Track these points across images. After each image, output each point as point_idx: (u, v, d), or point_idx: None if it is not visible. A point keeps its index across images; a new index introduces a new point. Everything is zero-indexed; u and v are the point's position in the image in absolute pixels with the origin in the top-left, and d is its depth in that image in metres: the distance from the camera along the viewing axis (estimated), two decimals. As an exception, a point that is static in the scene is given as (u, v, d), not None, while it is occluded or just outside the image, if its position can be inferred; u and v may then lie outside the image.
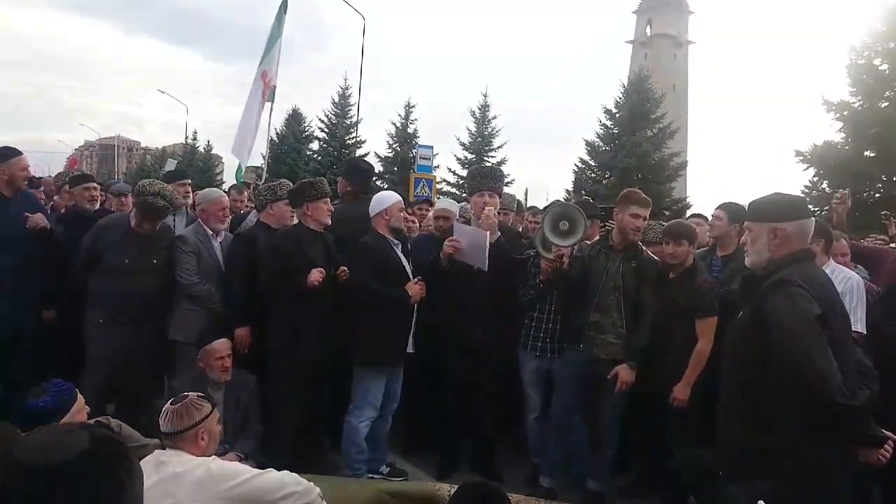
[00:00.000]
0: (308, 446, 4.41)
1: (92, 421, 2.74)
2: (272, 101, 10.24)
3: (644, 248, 4.34)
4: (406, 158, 31.06)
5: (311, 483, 2.53)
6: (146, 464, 2.42)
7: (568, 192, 26.69)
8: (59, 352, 4.91)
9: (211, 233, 4.75)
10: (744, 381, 2.61)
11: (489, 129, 32.90)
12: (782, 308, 2.42)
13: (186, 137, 48.36)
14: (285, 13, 10.55)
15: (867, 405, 2.38)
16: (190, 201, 5.80)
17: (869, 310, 3.99)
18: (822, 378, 2.30)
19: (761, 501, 2.18)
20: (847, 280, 3.98)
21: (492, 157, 32.44)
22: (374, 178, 8.84)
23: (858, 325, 3.78)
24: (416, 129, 33.55)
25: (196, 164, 43.84)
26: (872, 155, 18.60)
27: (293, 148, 36.05)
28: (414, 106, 33.72)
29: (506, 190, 6.14)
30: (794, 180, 20.15)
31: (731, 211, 4.57)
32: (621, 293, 4.16)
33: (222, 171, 45.28)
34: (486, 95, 33.25)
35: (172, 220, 5.01)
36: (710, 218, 5.13)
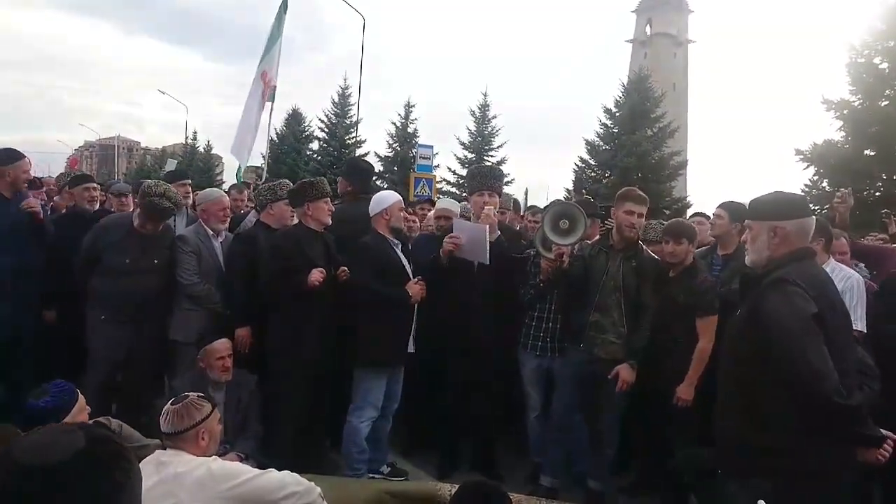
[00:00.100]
0: (308, 446, 4.40)
1: (91, 421, 2.74)
2: (272, 101, 10.25)
3: (644, 247, 4.34)
4: (406, 158, 31.08)
5: (312, 483, 2.54)
6: (147, 464, 2.42)
7: (568, 191, 26.72)
8: (60, 352, 4.91)
9: (211, 233, 4.75)
10: (741, 380, 2.61)
11: (489, 129, 32.93)
12: (779, 307, 2.42)
13: (186, 137, 48.42)
14: (285, 13, 10.56)
15: (863, 405, 2.38)
16: (190, 201, 5.80)
17: (869, 308, 3.99)
18: (817, 377, 2.30)
19: (761, 501, 2.17)
20: (847, 279, 3.98)
21: (492, 156, 32.47)
22: (374, 178, 8.84)
23: (859, 323, 3.78)
24: (416, 129, 33.61)
25: (196, 164, 43.87)
26: (872, 153, 18.61)
27: (293, 148, 36.07)
28: (414, 105, 33.81)
29: (505, 189, 6.15)
30: (795, 179, 20.18)
31: (731, 210, 4.57)
32: (622, 292, 4.16)
33: (222, 171, 45.33)
34: (485, 95, 33.32)
35: (173, 221, 5.01)
36: (711, 217, 5.13)
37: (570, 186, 27.61)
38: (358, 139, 33.35)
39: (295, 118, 37.63)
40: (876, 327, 3.92)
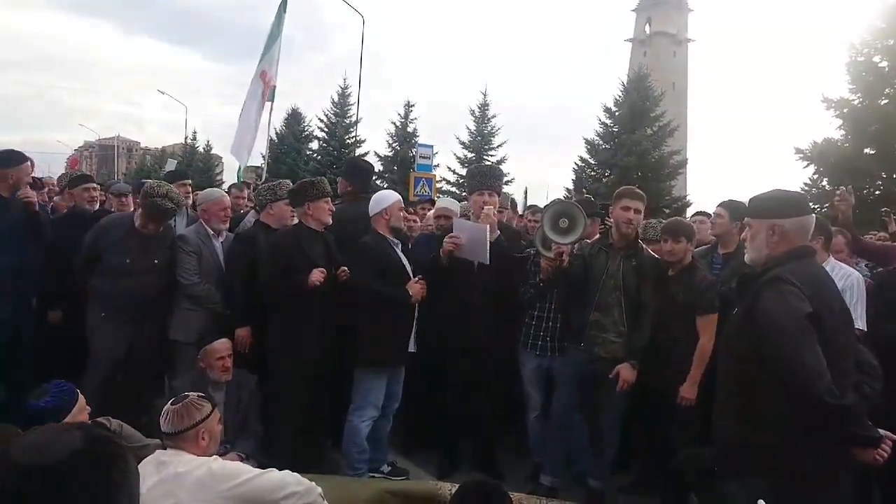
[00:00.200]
0: (308, 446, 4.40)
1: (91, 421, 2.75)
2: (272, 101, 10.26)
3: (644, 246, 4.34)
4: (406, 157, 31.10)
5: (313, 483, 2.54)
6: (147, 464, 2.42)
7: (568, 190, 26.73)
8: (61, 352, 4.91)
9: (212, 233, 4.75)
10: (739, 379, 2.60)
11: (489, 128, 32.98)
12: (773, 305, 2.41)
13: (186, 137, 48.38)
14: (284, 12, 10.57)
15: (857, 404, 2.35)
16: (190, 201, 5.80)
17: (869, 306, 3.99)
18: (810, 376, 2.28)
19: (761, 501, 2.17)
20: (847, 277, 3.99)
21: (491, 155, 32.51)
22: (374, 178, 8.84)
23: (859, 321, 3.78)
24: (415, 129, 33.68)
25: (196, 164, 43.88)
26: (872, 152, 18.63)
27: (293, 147, 36.09)
28: (413, 105, 33.86)
29: (505, 189, 6.14)
30: (795, 178, 20.17)
31: (731, 209, 4.58)
32: (622, 291, 4.16)
33: (222, 171, 45.35)
34: (485, 94, 33.37)
35: (173, 221, 5.01)
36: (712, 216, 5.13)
37: (570, 186, 27.63)
38: (358, 139, 33.37)
39: (294, 118, 37.65)
40: (875, 326, 3.92)
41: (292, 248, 4.29)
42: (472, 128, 33.01)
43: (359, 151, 32.26)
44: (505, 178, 20.40)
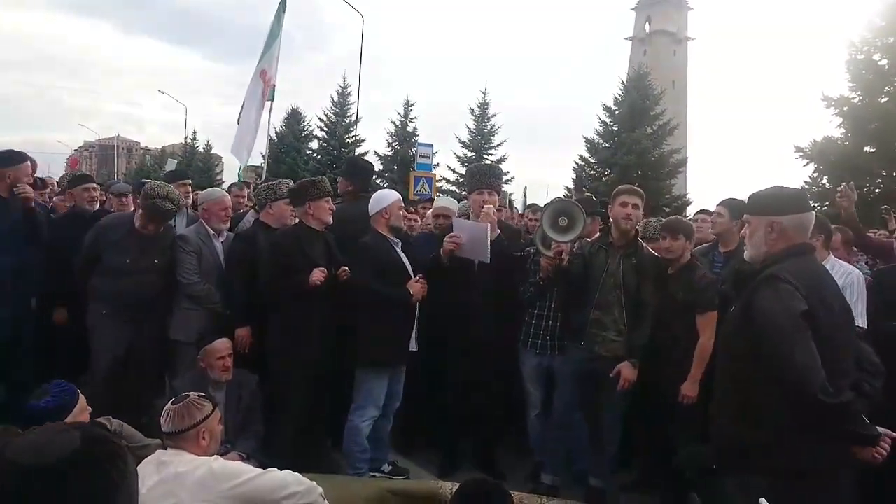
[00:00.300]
0: (308, 446, 4.40)
1: (91, 421, 2.74)
2: (272, 100, 10.26)
3: (644, 244, 4.34)
4: (406, 157, 31.08)
5: (314, 482, 2.54)
6: (148, 464, 2.42)
7: (568, 189, 26.71)
8: (61, 352, 4.92)
9: (213, 232, 4.75)
10: (736, 376, 2.59)
11: (488, 127, 32.97)
12: (768, 303, 2.40)
13: (186, 137, 48.36)
14: (284, 11, 10.57)
15: (853, 402, 2.34)
16: (190, 201, 5.80)
17: (869, 304, 3.99)
18: (804, 374, 2.28)
19: (762, 500, 2.17)
20: (847, 275, 3.99)
21: (491, 154, 32.50)
22: (374, 177, 8.85)
23: (859, 319, 3.77)
24: (415, 128, 33.66)
25: (196, 164, 43.85)
26: (872, 150, 18.65)
27: (293, 147, 36.08)
28: (413, 104, 33.84)
29: (504, 188, 6.14)
30: (795, 176, 20.19)
31: (732, 207, 4.58)
32: (622, 290, 4.16)
33: (222, 170, 45.35)
34: (485, 93, 33.34)
35: (173, 220, 5.01)
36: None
37: (570, 185, 27.63)
38: (357, 138, 33.36)
39: (294, 117, 37.65)
40: (875, 323, 3.91)
41: (293, 248, 4.29)
42: (472, 127, 33.02)
43: (359, 151, 32.25)
44: (504, 177, 20.41)
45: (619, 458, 4.48)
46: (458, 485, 2.60)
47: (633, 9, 71.60)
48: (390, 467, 4.60)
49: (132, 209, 5.15)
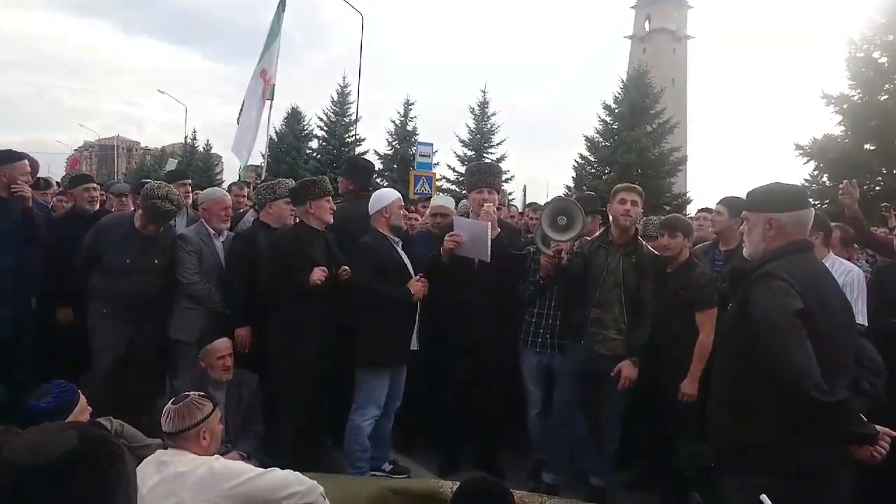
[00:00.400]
0: (308, 446, 4.40)
1: (91, 421, 2.74)
2: (271, 99, 10.25)
3: (644, 242, 4.34)
4: (406, 156, 31.07)
5: (315, 482, 2.54)
6: (148, 463, 2.42)
7: (568, 188, 26.70)
8: (61, 352, 4.92)
9: (213, 232, 4.74)
10: (733, 374, 2.58)
11: (488, 126, 32.90)
12: (763, 301, 2.39)
13: (186, 137, 48.34)
14: (283, 11, 10.56)
15: (849, 401, 2.30)
16: (190, 201, 5.79)
17: (869, 302, 3.99)
18: (798, 373, 2.25)
19: (763, 496, 2.16)
20: (847, 273, 3.99)
21: (491, 153, 32.44)
22: (374, 175, 8.85)
23: (860, 317, 3.77)
24: (415, 127, 33.58)
25: (196, 164, 43.83)
26: (872, 148, 18.65)
27: (293, 146, 36.07)
28: (413, 103, 33.75)
29: (504, 186, 6.14)
30: (795, 174, 20.18)
31: (731, 205, 4.57)
32: (622, 289, 4.16)
33: (222, 170, 45.31)
34: (485, 92, 33.25)
35: (173, 220, 5.01)
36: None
37: (570, 183, 27.61)
38: (357, 137, 33.33)
39: (294, 117, 37.63)
40: (875, 321, 3.91)
41: (293, 247, 4.29)
42: (472, 125, 32.97)
43: (359, 150, 32.19)
44: (504, 176, 20.38)
45: (620, 457, 4.48)
46: (458, 483, 2.60)
47: (632, 7, 71.60)
48: (391, 466, 4.60)
49: (132, 209, 5.15)
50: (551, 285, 4.41)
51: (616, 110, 29.58)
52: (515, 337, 4.62)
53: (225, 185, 11.37)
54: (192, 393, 2.69)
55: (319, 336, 4.29)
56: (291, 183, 4.90)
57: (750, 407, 2.47)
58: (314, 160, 35.04)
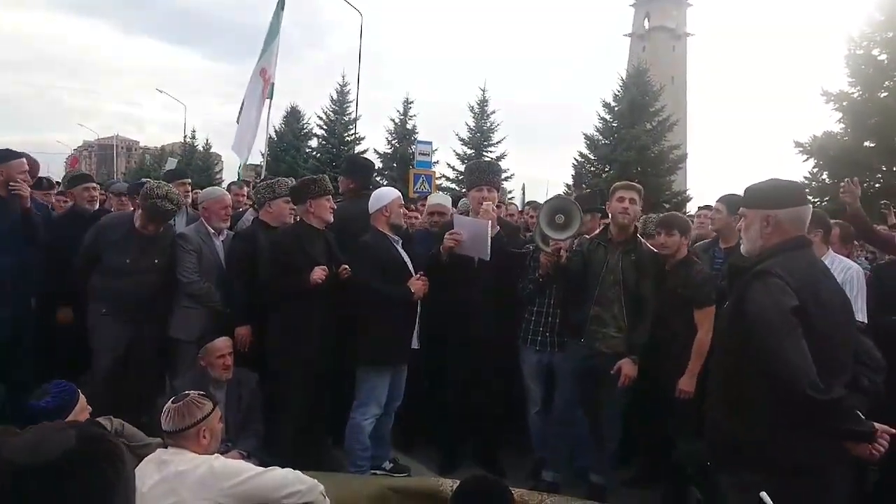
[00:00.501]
0: (309, 445, 4.41)
1: (91, 420, 2.74)
2: (270, 98, 10.25)
3: (643, 241, 4.34)
4: (405, 154, 31.05)
5: (315, 480, 2.54)
6: (148, 462, 2.42)
7: (568, 186, 26.68)
8: (62, 352, 4.92)
9: (213, 231, 4.74)
10: (728, 370, 2.57)
11: (488, 124, 32.89)
12: (758, 299, 2.38)
13: (185, 136, 48.30)
14: (283, 10, 10.56)
15: (845, 399, 2.29)
16: (189, 200, 5.79)
17: (868, 298, 3.99)
18: (793, 371, 2.25)
19: (763, 493, 2.16)
20: (847, 270, 3.99)
21: (491, 152, 32.42)
22: (374, 174, 8.85)
23: (859, 314, 3.78)
24: (414, 125, 33.56)
25: (195, 163, 43.80)
26: (872, 145, 18.65)
27: (292, 145, 36.08)
28: (412, 102, 33.72)
29: (504, 185, 6.14)
30: (795, 171, 20.19)
31: (730, 203, 4.57)
32: (622, 286, 4.16)
33: (221, 169, 45.28)
34: (484, 90, 33.22)
35: (173, 220, 5.01)
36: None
37: (570, 181, 27.60)
38: (357, 136, 33.32)
39: (293, 116, 37.62)
40: (874, 318, 3.91)
41: (293, 246, 4.29)
42: (472, 124, 32.96)
43: (358, 149, 32.18)
44: (504, 174, 20.35)
45: (620, 455, 4.49)
46: (458, 482, 2.60)
47: (631, 5, 71.52)
48: (391, 465, 4.61)
49: (132, 209, 5.15)
50: (551, 283, 4.41)
51: (615, 108, 29.57)
52: (515, 335, 4.62)
53: (225, 185, 11.36)
54: (192, 392, 2.69)
55: (319, 335, 4.29)
56: (291, 182, 4.90)
57: (744, 403, 2.46)
58: (314, 159, 35.04)
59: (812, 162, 19.41)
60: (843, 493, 2.48)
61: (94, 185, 5.66)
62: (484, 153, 31.92)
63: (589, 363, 4.23)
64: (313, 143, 37.18)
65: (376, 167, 28.25)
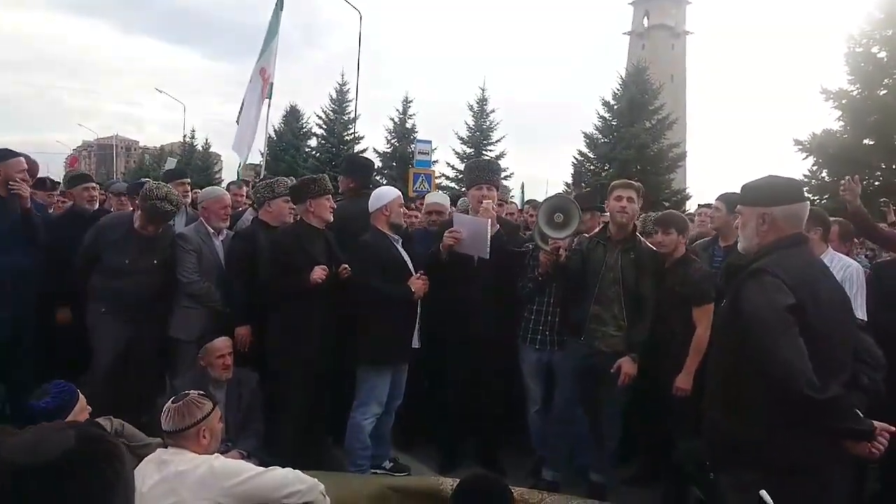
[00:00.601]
0: (309, 444, 4.41)
1: (91, 420, 2.75)
2: (270, 98, 10.24)
3: (643, 239, 4.34)
4: (405, 154, 31.04)
5: (315, 480, 2.54)
6: (148, 462, 2.42)
7: (567, 185, 26.67)
8: (62, 352, 4.92)
9: (212, 231, 4.74)
10: (725, 369, 2.56)
11: (487, 123, 32.89)
12: (754, 297, 2.37)
13: (185, 136, 48.27)
14: (281, 9, 10.55)
15: (842, 397, 2.27)
16: (189, 200, 5.79)
17: (868, 296, 3.99)
18: (789, 370, 2.23)
19: (763, 492, 2.15)
20: (846, 268, 3.99)
21: (490, 150, 32.42)
22: (373, 174, 8.86)
23: (858, 312, 3.77)
24: (414, 125, 33.54)
25: (195, 163, 43.77)
26: (871, 143, 18.65)
27: (291, 145, 36.04)
28: (412, 101, 33.70)
29: (504, 183, 6.14)
30: (794, 169, 20.17)
31: (729, 201, 4.57)
32: (621, 285, 4.16)
33: (221, 169, 45.27)
34: (483, 89, 33.21)
35: (172, 220, 5.01)
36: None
37: (570, 180, 27.58)
38: (356, 135, 33.29)
39: (293, 115, 37.59)
40: (874, 316, 3.91)
41: (293, 246, 4.29)
42: (471, 123, 32.95)
43: (358, 148, 32.16)
44: (503, 173, 20.34)
45: (620, 453, 4.49)
46: (458, 481, 2.60)
47: (630, 3, 71.44)
48: (391, 464, 4.61)
49: (131, 209, 5.14)
50: (550, 282, 4.41)
51: (615, 107, 29.57)
52: (515, 334, 4.62)
53: (224, 184, 11.36)
54: (192, 392, 2.69)
55: (320, 334, 4.28)
56: (290, 181, 4.89)
57: (742, 402, 2.45)
58: (313, 158, 35.01)
59: (811, 160, 19.41)
60: (842, 492, 2.46)
61: (94, 185, 5.66)
62: (483, 152, 31.91)
63: (589, 362, 4.23)
64: (313, 142, 37.16)
65: (376, 166, 28.27)
